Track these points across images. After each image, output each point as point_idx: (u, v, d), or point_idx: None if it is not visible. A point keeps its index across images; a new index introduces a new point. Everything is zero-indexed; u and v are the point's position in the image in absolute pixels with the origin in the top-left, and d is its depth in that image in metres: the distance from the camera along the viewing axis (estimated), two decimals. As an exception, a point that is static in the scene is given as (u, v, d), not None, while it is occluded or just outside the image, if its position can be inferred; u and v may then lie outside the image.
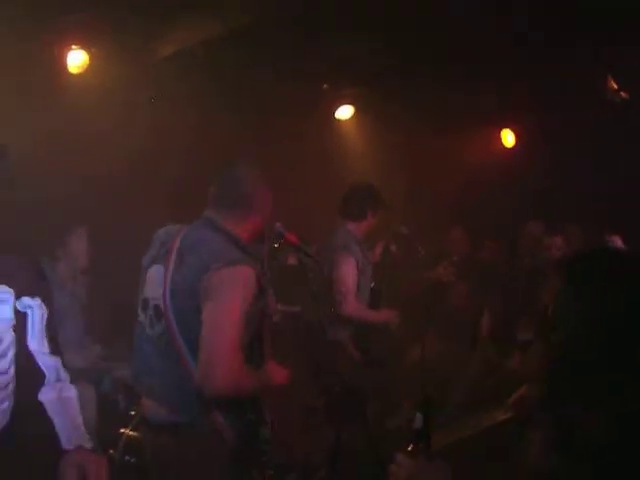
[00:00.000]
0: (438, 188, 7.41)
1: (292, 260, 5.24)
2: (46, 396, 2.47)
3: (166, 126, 6.34)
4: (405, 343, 5.83)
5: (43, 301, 2.51)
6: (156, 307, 3.10)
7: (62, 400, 2.48)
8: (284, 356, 3.31)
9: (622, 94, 6.00)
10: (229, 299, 2.94)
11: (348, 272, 5.17)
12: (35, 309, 2.48)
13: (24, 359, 2.46)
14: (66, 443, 2.41)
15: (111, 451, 4.34)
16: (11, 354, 2.42)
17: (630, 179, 6.10)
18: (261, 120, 6.98)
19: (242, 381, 3.01)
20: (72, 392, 2.53)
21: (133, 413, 4.58)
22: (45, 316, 2.51)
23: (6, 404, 2.39)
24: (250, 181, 3.26)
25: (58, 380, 2.50)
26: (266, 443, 3.21)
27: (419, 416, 2.05)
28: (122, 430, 4.45)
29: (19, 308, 2.45)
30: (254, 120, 6.94)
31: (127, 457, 4.30)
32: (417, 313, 5.77)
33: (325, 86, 7.13)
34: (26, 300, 2.46)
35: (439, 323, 5.85)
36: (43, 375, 2.48)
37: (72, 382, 4.55)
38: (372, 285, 5.40)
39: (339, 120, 7.70)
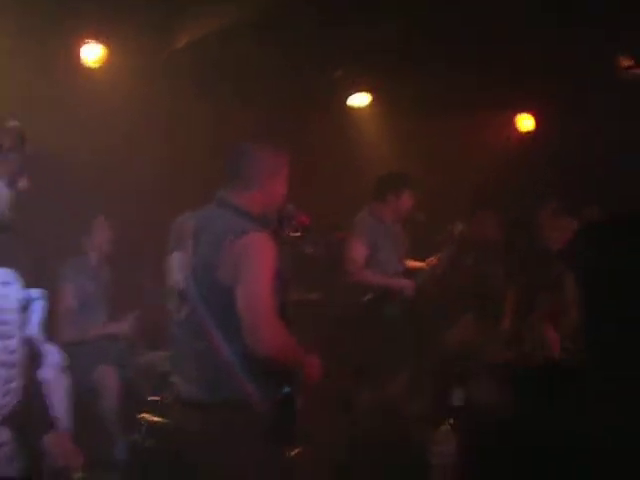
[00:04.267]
0: (456, 175, 7.64)
1: (310, 249, 5.85)
2: (44, 376, 2.78)
3: (183, 118, 6.68)
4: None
5: (44, 293, 2.80)
6: (180, 291, 3.29)
7: (57, 381, 2.80)
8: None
9: (637, 71, 6.27)
10: (255, 267, 3.14)
11: (352, 244, 5.88)
12: (38, 301, 2.78)
13: (26, 344, 2.77)
14: (58, 422, 2.75)
15: (133, 436, 4.72)
16: (18, 335, 2.73)
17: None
18: (275, 110, 7.21)
19: (289, 342, 3.22)
20: (64, 378, 2.85)
21: (155, 399, 4.94)
22: (46, 307, 2.81)
23: (15, 383, 2.70)
24: (250, 155, 3.40)
25: (52, 364, 2.81)
26: (297, 418, 3.33)
27: (459, 392, 2.11)
28: (144, 415, 4.78)
29: (24, 297, 2.75)
30: (268, 109, 7.18)
31: (149, 442, 4.65)
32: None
33: (339, 73, 7.32)
34: (31, 291, 2.76)
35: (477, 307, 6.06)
36: (43, 357, 2.79)
37: (97, 364, 5.19)
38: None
39: (353, 108, 7.92)
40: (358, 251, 5.91)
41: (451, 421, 2.28)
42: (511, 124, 8.05)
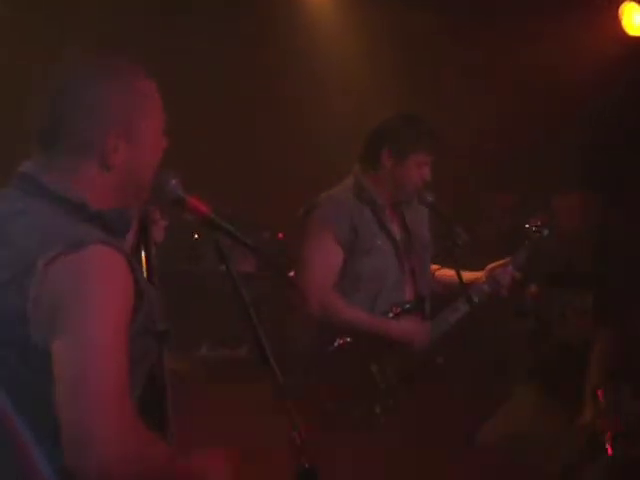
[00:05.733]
0: (494, 116, 5.76)
1: (249, 266, 5.12)
2: None
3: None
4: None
5: None
6: None
7: None
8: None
9: None
10: (90, 312, 2.11)
11: (314, 246, 4.47)
12: None
13: None
14: None
15: None
16: None
17: None
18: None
19: (145, 450, 2.15)
20: None
21: None
22: None
23: None
24: (76, 93, 2.21)
25: None
26: None
27: None
28: None
29: None
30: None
31: None
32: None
33: None
34: None
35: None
36: None
37: None
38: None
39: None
40: (328, 257, 4.44)
41: None
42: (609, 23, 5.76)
